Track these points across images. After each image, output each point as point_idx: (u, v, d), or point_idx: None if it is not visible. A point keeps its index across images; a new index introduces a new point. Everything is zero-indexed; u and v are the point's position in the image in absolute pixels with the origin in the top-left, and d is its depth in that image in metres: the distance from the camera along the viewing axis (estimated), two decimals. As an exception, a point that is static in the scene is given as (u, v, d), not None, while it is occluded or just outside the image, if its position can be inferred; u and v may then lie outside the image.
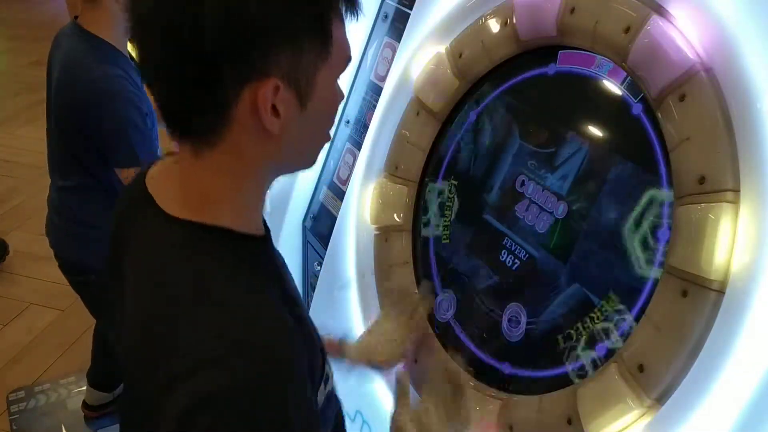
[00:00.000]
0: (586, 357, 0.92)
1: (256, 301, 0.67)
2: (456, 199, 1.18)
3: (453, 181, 1.19)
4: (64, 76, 1.61)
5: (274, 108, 0.65)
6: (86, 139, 1.62)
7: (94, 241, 1.71)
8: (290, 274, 0.84)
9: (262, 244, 0.76)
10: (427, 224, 1.23)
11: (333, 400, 0.85)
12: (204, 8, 0.60)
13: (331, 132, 0.79)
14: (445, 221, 1.19)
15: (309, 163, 0.79)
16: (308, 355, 0.71)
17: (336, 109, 0.76)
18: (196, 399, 0.59)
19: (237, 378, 0.60)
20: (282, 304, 0.70)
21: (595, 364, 0.90)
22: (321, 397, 0.78)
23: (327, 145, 1.65)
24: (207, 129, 0.67)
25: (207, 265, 0.67)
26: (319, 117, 0.72)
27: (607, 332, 0.90)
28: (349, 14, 0.70)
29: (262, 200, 0.76)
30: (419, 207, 1.25)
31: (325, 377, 0.79)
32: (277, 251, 0.84)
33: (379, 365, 1.07)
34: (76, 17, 1.65)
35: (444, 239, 1.19)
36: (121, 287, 0.76)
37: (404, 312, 1.11)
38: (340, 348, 1.10)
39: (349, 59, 0.73)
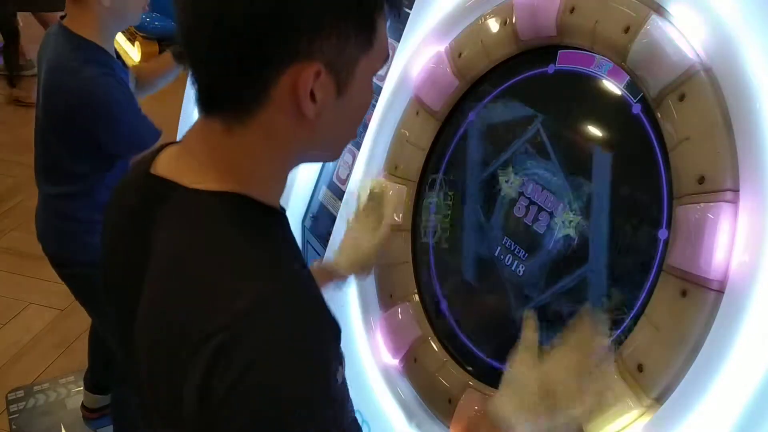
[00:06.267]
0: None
1: (282, 264, 0.70)
2: (452, 205, 1.18)
3: (449, 192, 1.19)
4: (51, 80, 1.60)
5: (311, 93, 0.66)
6: (77, 144, 1.61)
7: (83, 233, 1.71)
8: None
9: (285, 218, 0.78)
10: (425, 232, 1.23)
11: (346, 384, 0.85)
12: None
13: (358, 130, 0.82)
14: (443, 224, 1.19)
15: (334, 155, 0.81)
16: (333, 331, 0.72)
17: (368, 107, 0.77)
18: (226, 342, 0.61)
19: (272, 323, 0.62)
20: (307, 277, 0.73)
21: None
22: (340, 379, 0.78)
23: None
24: (243, 106, 0.68)
25: (233, 229, 0.69)
26: (352, 109, 0.73)
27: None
28: (392, 13, 0.72)
29: (284, 183, 0.77)
30: (419, 207, 1.25)
31: (342, 358, 0.79)
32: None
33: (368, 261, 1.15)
34: (62, 17, 1.64)
35: (443, 244, 1.19)
36: (139, 284, 0.75)
37: (373, 212, 1.18)
38: (332, 268, 1.16)
39: (387, 56, 0.75)
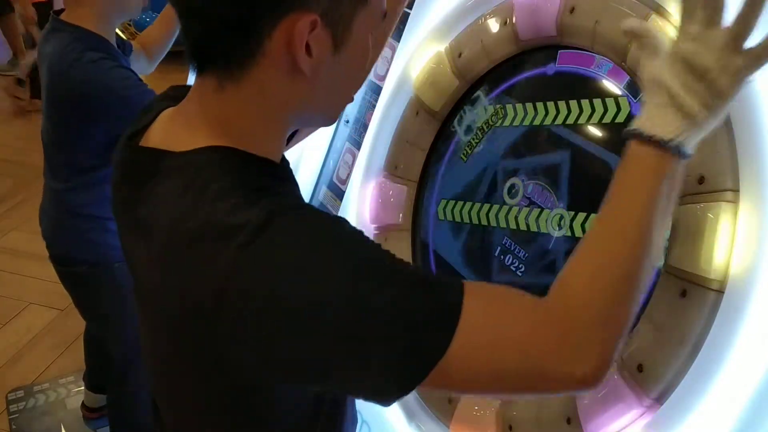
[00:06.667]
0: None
1: (275, 195, 0.65)
2: (452, 205, 1.18)
3: (450, 191, 1.19)
4: (53, 72, 1.59)
5: (307, 47, 0.64)
6: (83, 133, 1.60)
7: (88, 231, 1.70)
8: None
9: (285, 170, 0.75)
10: (426, 232, 1.22)
11: None
12: None
13: (357, 95, 0.79)
14: (443, 224, 1.19)
15: (330, 119, 0.78)
16: None
17: (365, 68, 0.75)
18: (237, 296, 0.58)
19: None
20: None
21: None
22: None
23: (327, 143, 1.65)
24: (236, 61, 0.65)
25: (221, 180, 0.64)
26: (349, 68, 0.71)
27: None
28: None
29: (281, 145, 0.74)
30: (419, 207, 1.25)
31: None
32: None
33: None
34: (56, 12, 1.62)
35: (444, 243, 1.19)
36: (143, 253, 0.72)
37: None
38: None
39: (385, 14, 0.72)
